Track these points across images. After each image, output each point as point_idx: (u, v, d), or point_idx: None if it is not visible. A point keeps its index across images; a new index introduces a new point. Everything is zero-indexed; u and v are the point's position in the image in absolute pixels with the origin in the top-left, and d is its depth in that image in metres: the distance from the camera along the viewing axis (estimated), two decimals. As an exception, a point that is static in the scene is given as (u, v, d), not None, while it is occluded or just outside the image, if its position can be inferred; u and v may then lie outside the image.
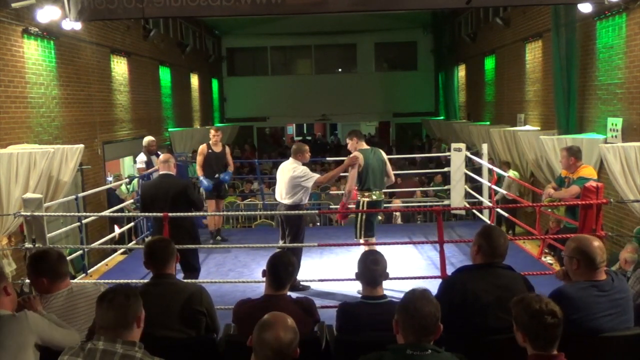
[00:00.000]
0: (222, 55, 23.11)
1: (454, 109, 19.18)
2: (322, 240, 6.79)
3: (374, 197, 6.03)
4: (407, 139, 23.54)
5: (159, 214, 5.39)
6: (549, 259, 7.25)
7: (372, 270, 3.37)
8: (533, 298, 2.54)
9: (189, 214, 5.64)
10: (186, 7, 6.94)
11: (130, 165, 12.75)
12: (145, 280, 3.75)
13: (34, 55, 8.33)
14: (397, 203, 10.89)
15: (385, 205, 11.07)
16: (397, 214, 10.63)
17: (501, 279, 3.23)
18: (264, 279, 3.45)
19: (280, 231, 6.32)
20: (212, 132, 8.57)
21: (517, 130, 10.71)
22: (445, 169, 9.71)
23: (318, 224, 10.54)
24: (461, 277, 3.33)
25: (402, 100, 22.72)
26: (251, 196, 12.67)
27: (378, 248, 3.74)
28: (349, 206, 6.29)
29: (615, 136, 7.97)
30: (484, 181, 8.87)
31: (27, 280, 5.69)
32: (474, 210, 9.34)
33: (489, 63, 15.34)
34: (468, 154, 9.45)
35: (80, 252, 7.36)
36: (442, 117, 20.85)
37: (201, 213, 9.34)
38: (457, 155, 9.21)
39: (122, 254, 7.72)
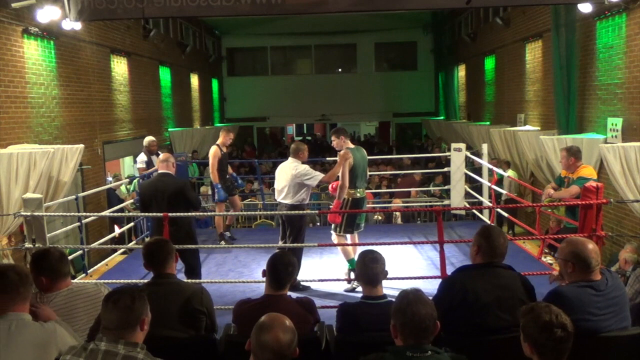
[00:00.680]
0: (222, 55, 23.12)
1: (454, 109, 19.18)
2: (322, 240, 6.79)
3: (358, 195, 6.11)
4: (407, 139, 23.55)
5: (158, 214, 5.39)
6: (549, 259, 7.24)
7: (371, 268, 3.36)
8: (543, 309, 2.43)
9: (188, 214, 5.63)
10: (186, 7, 6.94)
11: (130, 165, 12.75)
12: (146, 280, 3.75)
13: (34, 55, 8.34)
14: (397, 203, 10.89)
15: (385, 205, 11.11)
16: (397, 214, 10.63)
17: (501, 278, 3.23)
18: (264, 279, 3.45)
19: (281, 231, 6.31)
20: (231, 134, 8.32)
21: (517, 130, 10.71)
22: (445, 169, 9.70)
23: (318, 224, 10.53)
24: (461, 277, 3.33)
25: (402, 100, 22.73)
26: (251, 196, 12.66)
27: (377, 248, 3.73)
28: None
29: (615, 136, 7.97)
30: (484, 181, 8.87)
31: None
32: (474, 210, 9.34)
33: (489, 63, 15.34)
34: (468, 154, 9.45)
35: (80, 252, 7.35)
36: (442, 117, 20.86)
37: (211, 213, 9.37)
38: (457, 155, 9.20)
39: (122, 254, 7.72)
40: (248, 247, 7.51)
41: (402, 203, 10.89)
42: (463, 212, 10.14)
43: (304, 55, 24.05)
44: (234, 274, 6.89)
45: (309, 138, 27.74)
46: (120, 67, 12.06)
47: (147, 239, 7.65)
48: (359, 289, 5.06)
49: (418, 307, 2.47)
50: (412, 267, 6.79)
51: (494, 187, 8.32)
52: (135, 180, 9.38)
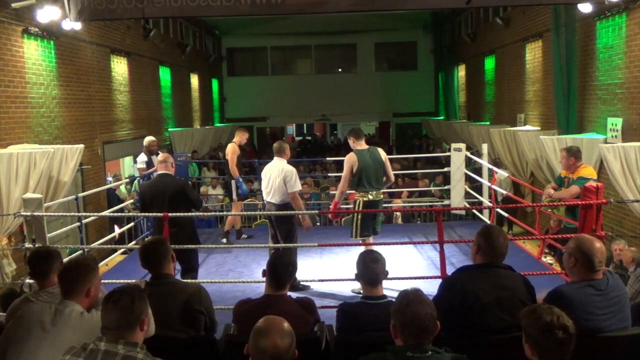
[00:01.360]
0: (222, 55, 23.12)
1: (454, 109, 19.18)
2: (322, 240, 6.79)
3: (370, 197, 6.02)
4: (407, 139, 23.55)
5: (158, 214, 5.39)
6: (549, 259, 7.24)
7: (371, 268, 3.36)
8: (545, 310, 2.40)
9: (189, 214, 5.64)
10: (186, 7, 6.94)
11: (130, 165, 12.75)
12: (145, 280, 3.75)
13: (34, 55, 8.34)
14: (397, 203, 10.89)
15: (385, 205, 11.11)
16: (398, 214, 10.63)
17: (501, 279, 3.23)
18: (264, 279, 3.45)
19: (271, 231, 6.33)
20: (247, 134, 8.48)
21: (517, 130, 10.71)
22: (445, 169, 9.71)
23: (318, 224, 10.54)
24: (461, 277, 3.33)
25: (402, 100, 22.73)
26: (251, 196, 12.66)
27: (377, 248, 3.74)
28: (343, 206, 6.32)
29: (615, 136, 7.97)
30: (484, 181, 8.87)
31: (27, 280, 5.69)
32: (474, 210, 9.34)
33: (489, 63, 15.34)
34: (468, 154, 9.45)
35: (80, 252, 7.35)
36: (442, 117, 20.86)
37: (213, 213, 9.40)
38: (457, 155, 9.21)
39: (122, 254, 7.72)
40: (248, 247, 7.52)
41: (402, 203, 10.89)
42: (463, 212, 10.14)
43: (304, 55, 24.05)
44: (234, 274, 6.89)
45: (309, 138, 27.74)
46: (120, 67, 12.06)
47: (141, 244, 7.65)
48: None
49: (418, 307, 2.46)
50: (412, 267, 6.79)
51: (494, 187, 8.32)
52: (136, 181, 9.39)
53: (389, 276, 3.49)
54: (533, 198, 10.45)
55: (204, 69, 19.90)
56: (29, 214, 5.50)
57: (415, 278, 5.50)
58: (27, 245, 5.64)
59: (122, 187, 10.66)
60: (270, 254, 6.19)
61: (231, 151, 8.18)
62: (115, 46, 11.72)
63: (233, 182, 8.20)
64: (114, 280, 5.49)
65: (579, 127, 9.24)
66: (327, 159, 15.10)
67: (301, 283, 6.08)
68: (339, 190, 6.16)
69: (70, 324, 2.82)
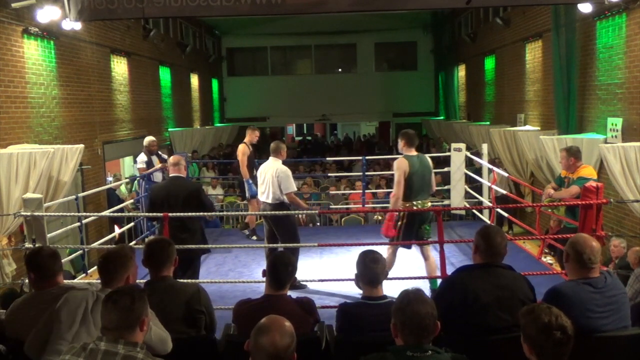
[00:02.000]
0: (222, 55, 23.12)
1: (454, 109, 19.18)
2: (322, 240, 6.79)
3: (415, 208, 5.63)
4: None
5: (158, 214, 5.34)
6: (549, 259, 7.24)
7: (371, 268, 3.36)
8: (544, 310, 2.41)
9: (198, 214, 5.53)
10: (186, 7, 6.93)
11: (131, 165, 12.75)
12: (145, 280, 3.75)
13: (34, 55, 8.34)
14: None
15: (385, 205, 11.10)
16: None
17: (501, 279, 3.23)
18: (264, 279, 3.45)
19: (266, 231, 6.32)
20: (257, 132, 8.50)
21: (517, 130, 10.71)
22: (445, 169, 9.71)
23: (318, 224, 10.54)
24: (461, 277, 3.33)
25: (402, 100, 22.73)
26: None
27: (378, 248, 3.73)
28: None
29: (615, 136, 7.97)
30: (484, 181, 8.87)
31: (27, 280, 5.69)
32: (474, 210, 9.34)
33: (489, 63, 15.35)
34: (468, 154, 9.45)
35: (80, 252, 7.35)
36: (442, 117, 20.85)
37: (238, 213, 9.37)
38: (457, 155, 9.21)
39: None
40: (248, 247, 7.52)
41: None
42: (463, 212, 10.14)
43: (304, 55, 24.05)
44: (234, 274, 6.89)
45: (309, 138, 27.74)
46: (120, 67, 12.06)
47: (147, 239, 7.65)
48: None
49: (418, 306, 2.47)
50: (412, 267, 6.78)
51: (494, 187, 8.32)
52: (136, 181, 9.38)
53: (389, 276, 3.49)
54: (533, 198, 10.45)
55: (204, 69, 19.90)
56: (29, 214, 5.50)
57: (415, 278, 5.50)
58: (27, 245, 5.64)
59: (122, 187, 10.65)
60: (266, 254, 6.21)
61: (241, 152, 8.20)
62: (115, 46, 11.72)
63: (245, 182, 8.25)
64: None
65: (579, 127, 9.24)
66: (327, 159, 15.10)
67: (300, 282, 6.08)
68: (394, 198, 5.65)
69: None
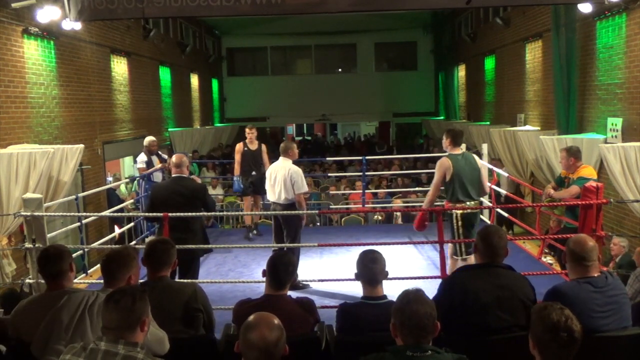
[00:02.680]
0: (222, 55, 23.11)
1: (454, 109, 19.17)
2: (322, 240, 6.79)
3: (468, 210, 5.42)
4: (408, 139, 23.54)
5: (158, 214, 5.31)
6: (549, 259, 7.25)
7: (370, 268, 3.36)
8: (555, 310, 2.39)
9: (199, 214, 5.54)
10: (186, 7, 6.93)
11: (130, 165, 12.75)
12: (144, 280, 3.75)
13: (34, 55, 8.34)
14: (397, 203, 10.89)
15: (385, 205, 11.11)
16: (398, 214, 10.63)
17: (501, 279, 3.23)
18: (264, 279, 3.45)
19: (275, 231, 6.31)
20: (247, 130, 8.68)
21: (517, 130, 10.71)
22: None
23: (318, 224, 10.54)
24: (461, 277, 3.34)
25: (402, 100, 22.72)
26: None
27: (378, 248, 3.73)
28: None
29: (615, 136, 7.97)
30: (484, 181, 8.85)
31: (27, 280, 5.69)
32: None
33: (489, 63, 15.34)
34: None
35: (80, 252, 7.35)
36: (442, 117, 20.85)
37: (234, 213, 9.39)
38: (457, 155, 9.18)
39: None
40: (248, 247, 7.52)
41: (402, 203, 10.90)
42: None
43: (304, 55, 24.04)
44: (234, 274, 6.89)
45: (309, 138, 27.73)
46: (120, 67, 12.06)
47: (147, 239, 7.65)
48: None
49: (417, 306, 2.47)
50: (412, 267, 6.79)
51: (494, 187, 8.31)
52: (135, 181, 9.38)
53: (388, 276, 3.48)
54: (533, 198, 10.44)
55: (204, 69, 19.90)
56: (29, 214, 5.50)
57: (415, 278, 5.49)
58: (27, 245, 5.64)
59: (122, 187, 10.66)
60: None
61: (236, 150, 8.55)
62: (115, 46, 11.72)
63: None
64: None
65: (579, 127, 9.24)
66: (327, 158, 15.10)
67: (301, 282, 6.08)
68: (428, 199, 5.53)
69: None
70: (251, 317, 2.33)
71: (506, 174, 9.54)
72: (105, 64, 11.28)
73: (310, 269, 6.66)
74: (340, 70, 24.41)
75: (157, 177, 8.54)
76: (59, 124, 9.06)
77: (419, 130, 23.54)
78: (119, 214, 8.53)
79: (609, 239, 6.50)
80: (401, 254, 7.10)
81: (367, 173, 11.33)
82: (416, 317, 2.44)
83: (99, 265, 7.18)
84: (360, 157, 11.02)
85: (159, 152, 8.98)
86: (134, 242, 8.25)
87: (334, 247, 7.06)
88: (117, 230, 8.73)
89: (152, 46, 14.12)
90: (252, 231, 8.55)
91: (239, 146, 8.50)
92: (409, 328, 2.45)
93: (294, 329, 3.17)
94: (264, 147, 8.67)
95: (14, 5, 7.18)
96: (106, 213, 8.17)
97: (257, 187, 8.39)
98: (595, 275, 3.12)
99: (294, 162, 6.30)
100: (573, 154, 6.16)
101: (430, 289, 3.29)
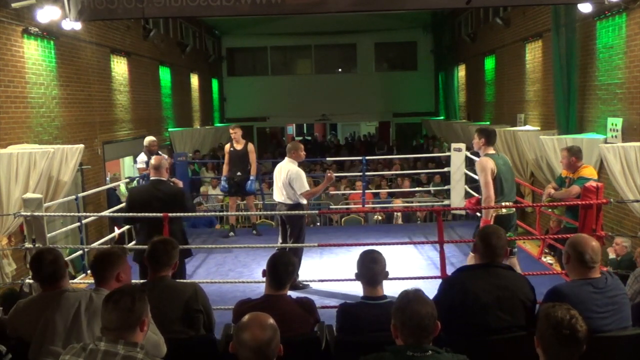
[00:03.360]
0: (222, 55, 23.11)
1: (454, 109, 19.17)
2: (322, 240, 6.79)
3: (504, 211, 5.19)
4: (408, 139, 23.54)
5: (149, 215, 5.20)
6: (549, 259, 7.25)
7: (370, 269, 3.36)
8: (562, 308, 2.40)
9: (181, 214, 5.42)
10: (186, 7, 6.94)
11: (130, 165, 12.75)
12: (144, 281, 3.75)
13: (34, 55, 8.33)
14: (397, 203, 10.89)
15: (385, 205, 11.12)
16: (398, 214, 10.63)
17: (501, 279, 3.23)
18: (264, 279, 3.45)
19: (281, 231, 6.31)
20: (230, 130, 8.76)
21: (517, 130, 10.71)
22: (445, 169, 9.70)
23: (318, 224, 10.54)
24: (461, 277, 3.33)
25: (402, 100, 22.72)
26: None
27: (378, 248, 3.73)
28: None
29: (615, 136, 7.97)
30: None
31: (27, 280, 5.69)
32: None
33: (489, 63, 15.34)
34: (468, 153, 9.45)
35: (80, 252, 7.35)
36: (442, 117, 20.85)
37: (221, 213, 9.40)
38: (457, 155, 9.21)
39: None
40: (248, 247, 7.52)
41: (402, 203, 10.90)
42: (463, 212, 10.14)
43: (304, 55, 24.04)
44: (234, 274, 6.89)
45: (309, 138, 27.74)
46: (120, 67, 12.06)
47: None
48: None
49: (418, 306, 2.46)
50: (412, 267, 6.79)
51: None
52: (135, 181, 9.38)
53: (389, 276, 3.48)
54: (533, 198, 10.44)
55: (204, 69, 19.90)
56: (29, 214, 5.50)
57: (415, 278, 5.50)
58: (27, 245, 5.64)
59: (122, 187, 10.65)
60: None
61: (225, 150, 8.71)
62: (115, 46, 11.72)
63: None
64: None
65: (579, 127, 9.24)
66: (327, 159, 15.10)
67: (302, 282, 6.08)
68: (488, 200, 5.13)
69: None
70: (245, 317, 2.34)
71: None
72: (105, 64, 11.28)
73: (310, 269, 6.66)
74: (340, 70, 24.41)
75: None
76: (59, 124, 9.06)
77: (419, 130, 23.53)
78: (119, 214, 8.51)
79: (608, 239, 6.50)
80: (401, 254, 7.09)
81: (367, 173, 11.33)
82: (417, 317, 2.44)
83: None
84: (360, 157, 11.02)
85: (159, 152, 8.98)
86: (133, 243, 8.25)
87: (334, 247, 7.07)
88: (117, 231, 8.73)
89: (152, 46, 14.12)
90: (230, 233, 8.71)
91: (227, 146, 8.65)
92: (409, 328, 2.45)
93: (294, 329, 3.17)
94: (250, 146, 8.59)
95: (14, 5, 7.18)
96: (106, 213, 8.17)
97: (241, 188, 8.40)
98: (596, 276, 3.11)
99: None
100: (574, 154, 6.16)
101: (430, 289, 3.30)
